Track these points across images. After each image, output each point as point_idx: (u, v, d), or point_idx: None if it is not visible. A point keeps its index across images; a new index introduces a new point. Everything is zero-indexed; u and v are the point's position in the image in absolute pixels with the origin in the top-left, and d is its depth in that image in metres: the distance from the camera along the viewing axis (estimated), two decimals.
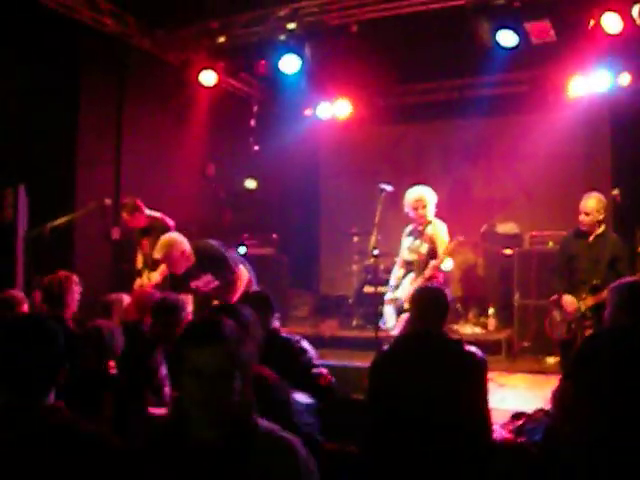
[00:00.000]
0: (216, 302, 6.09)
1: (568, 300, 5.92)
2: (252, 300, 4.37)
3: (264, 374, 3.20)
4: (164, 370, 4.18)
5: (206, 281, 6.20)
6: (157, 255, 5.99)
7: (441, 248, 6.12)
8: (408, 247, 6.42)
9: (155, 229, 6.74)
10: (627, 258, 5.98)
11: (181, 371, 2.04)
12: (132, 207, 6.85)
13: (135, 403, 3.82)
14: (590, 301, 5.80)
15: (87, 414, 2.21)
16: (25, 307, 4.83)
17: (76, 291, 5.03)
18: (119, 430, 3.45)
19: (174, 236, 6.08)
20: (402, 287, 6.36)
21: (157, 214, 7.00)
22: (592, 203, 5.90)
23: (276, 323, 4.64)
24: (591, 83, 8.94)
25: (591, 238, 5.95)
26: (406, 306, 6.01)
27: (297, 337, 4.60)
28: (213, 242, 6.29)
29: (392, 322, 6.24)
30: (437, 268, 6.03)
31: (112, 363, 4.19)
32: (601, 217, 5.92)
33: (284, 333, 4.63)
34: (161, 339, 4.27)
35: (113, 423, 3.60)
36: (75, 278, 5.06)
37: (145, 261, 6.90)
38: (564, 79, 9.19)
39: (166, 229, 6.66)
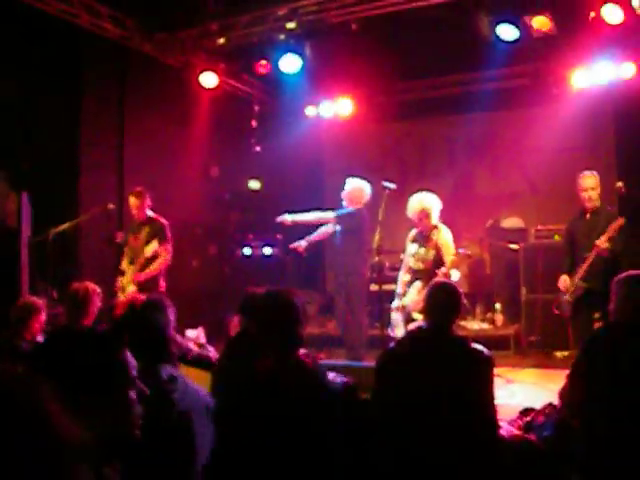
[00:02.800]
0: None
1: (561, 279, 6.16)
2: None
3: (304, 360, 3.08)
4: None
5: None
6: None
7: (447, 256, 6.04)
8: (413, 255, 6.32)
9: (151, 226, 6.82)
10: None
11: None
12: (139, 192, 6.93)
13: None
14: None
15: None
16: (43, 315, 4.82)
17: (97, 303, 5.03)
18: None
19: None
20: (409, 295, 6.28)
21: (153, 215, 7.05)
22: (593, 179, 6.14)
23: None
24: (594, 75, 8.87)
25: (588, 215, 6.16)
26: (415, 316, 5.97)
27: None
28: None
29: (401, 331, 6.10)
30: (446, 276, 5.88)
31: None
32: (598, 193, 6.15)
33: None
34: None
35: None
36: (98, 290, 5.06)
37: (132, 255, 6.91)
38: (566, 71, 9.12)
39: (161, 228, 6.75)
